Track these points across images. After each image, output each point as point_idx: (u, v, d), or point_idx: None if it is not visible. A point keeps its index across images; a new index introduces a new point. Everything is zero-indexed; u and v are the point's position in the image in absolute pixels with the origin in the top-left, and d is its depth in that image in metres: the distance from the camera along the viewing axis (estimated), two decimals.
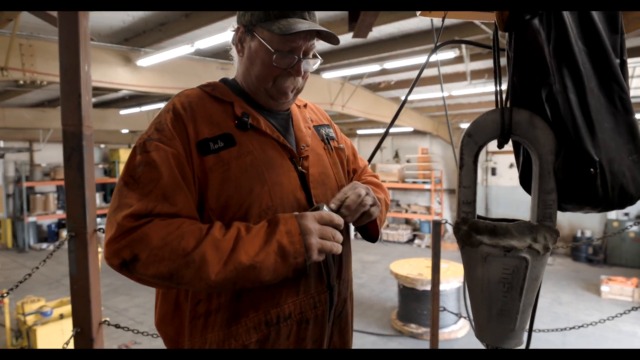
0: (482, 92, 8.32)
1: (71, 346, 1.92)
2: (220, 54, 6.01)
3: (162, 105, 10.09)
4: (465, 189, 0.85)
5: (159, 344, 6.05)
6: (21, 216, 12.03)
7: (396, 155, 15.01)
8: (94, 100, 9.76)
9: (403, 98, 1.41)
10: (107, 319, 2.08)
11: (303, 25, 0.95)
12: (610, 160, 0.75)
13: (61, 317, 5.72)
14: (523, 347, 0.89)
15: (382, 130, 13.91)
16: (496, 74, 0.84)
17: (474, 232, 0.81)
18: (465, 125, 12.76)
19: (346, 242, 1.08)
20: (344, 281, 1.10)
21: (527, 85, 0.84)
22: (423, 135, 14.10)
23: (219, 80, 1.10)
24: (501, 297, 0.80)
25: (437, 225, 2.37)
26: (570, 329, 2.90)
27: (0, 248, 12.13)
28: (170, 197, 0.89)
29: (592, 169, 0.74)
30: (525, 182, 0.90)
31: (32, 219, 12.03)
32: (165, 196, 0.88)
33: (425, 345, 6.55)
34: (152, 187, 0.88)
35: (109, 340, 5.93)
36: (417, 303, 6.70)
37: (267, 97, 1.06)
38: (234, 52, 1.09)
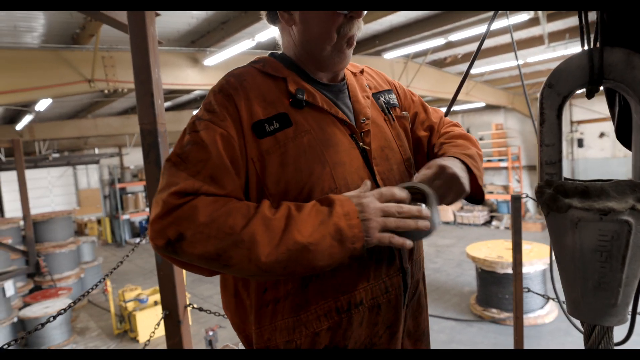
0: (562, 56, 7.56)
1: (162, 328, 2.08)
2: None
3: None
4: (548, 148, 0.75)
5: None
6: (117, 215, 13.35)
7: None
8: (169, 103, 10.49)
9: (473, 72, 1.29)
10: (193, 303, 2.22)
11: None
12: None
13: (155, 303, 6.28)
14: (623, 328, 0.78)
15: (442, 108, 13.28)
16: (582, 15, 0.72)
17: (561, 194, 0.71)
18: None
19: None
20: (415, 262, 1.04)
21: (620, 19, 0.71)
22: (497, 110, 13.22)
23: (268, 55, 1.04)
24: (598, 268, 0.70)
25: (516, 201, 2.19)
26: None
27: (102, 244, 13.61)
28: (219, 178, 0.84)
29: None
30: (624, 136, 0.77)
31: (125, 216, 13.29)
32: (212, 177, 0.83)
33: (508, 331, 6.20)
34: (201, 167, 0.84)
35: (196, 324, 6.38)
36: (497, 287, 6.35)
37: (332, 56, 0.97)
38: (277, 31, 1.04)
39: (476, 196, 1.11)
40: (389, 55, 6.85)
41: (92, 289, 2.07)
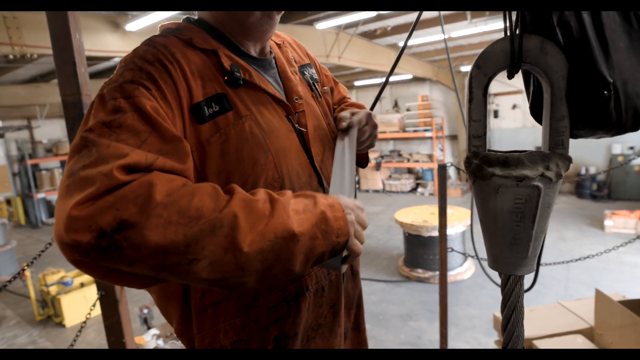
0: (483, 32, 8.05)
1: (98, 309, 2.00)
2: None
3: None
4: (475, 123, 0.84)
5: None
6: (30, 193, 12.15)
7: (396, 105, 14.80)
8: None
9: (400, 44, 1.36)
10: None
11: None
12: (625, 82, 0.74)
13: (82, 285, 5.94)
14: (528, 278, 0.92)
15: (380, 80, 13.64)
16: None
17: (486, 164, 0.81)
18: (466, 68, 12.48)
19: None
20: None
21: (537, 10, 0.81)
22: (422, 82, 13.82)
23: (183, 21, 0.90)
24: (514, 227, 0.82)
25: (442, 169, 2.38)
26: (576, 260, 2.98)
27: (14, 226, 12.37)
28: (173, 150, 0.67)
29: (605, 92, 0.73)
30: (536, 112, 0.88)
31: (40, 195, 12.15)
32: (166, 148, 0.66)
33: (432, 288, 6.79)
34: (146, 136, 0.65)
35: (130, 303, 6.17)
36: (423, 249, 6.89)
37: (261, 21, 0.87)
38: None
39: (363, 160, 1.15)
40: (321, 26, 6.81)
41: (10, 281, 1.93)
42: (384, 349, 5.33)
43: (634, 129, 0.78)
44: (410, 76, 11.91)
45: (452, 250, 2.99)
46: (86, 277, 6.03)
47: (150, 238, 0.57)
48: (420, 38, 8.33)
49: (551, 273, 6.74)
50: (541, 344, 2.10)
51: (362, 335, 1.17)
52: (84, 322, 2.10)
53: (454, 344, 5.44)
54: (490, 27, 7.04)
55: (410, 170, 14.51)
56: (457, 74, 12.52)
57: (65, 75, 1.76)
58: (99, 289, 1.95)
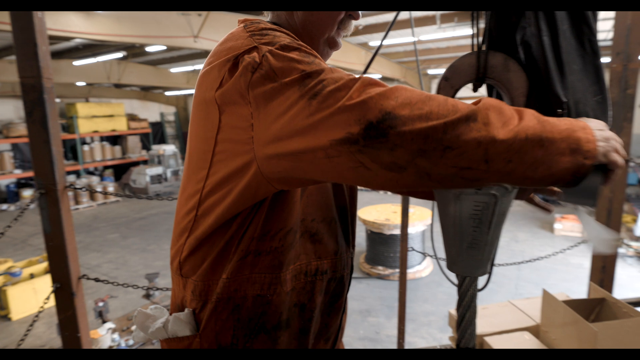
0: (451, 37, 8.28)
1: (52, 301, 1.93)
2: None
3: (118, 55, 9.48)
4: None
5: (134, 296, 6.14)
6: None
7: None
8: None
9: (371, 44, 1.39)
10: (85, 274, 2.08)
11: None
12: (577, 101, 0.80)
13: (31, 276, 5.66)
14: (482, 278, 0.98)
15: None
16: (473, 16, 0.85)
17: None
18: (433, 71, 12.82)
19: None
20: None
21: (503, 29, 0.86)
22: (391, 83, 14.05)
23: (270, 22, 0.92)
24: (472, 232, 0.87)
25: None
26: (527, 262, 3.15)
27: None
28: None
29: (560, 110, 0.78)
30: None
31: None
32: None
33: (392, 285, 6.97)
34: (352, 77, 0.72)
35: (84, 295, 5.93)
36: (384, 246, 7.03)
37: (323, 49, 0.96)
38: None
39: None
40: None
41: None
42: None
43: None
44: (379, 76, 12.08)
45: (412, 249, 3.09)
46: (36, 268, 5.73)
47: (414, 124, 0.64)
48: (390, 39, 8.47)
49: (504, 272, 7.07)
50: (491, 340, 2.21)
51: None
52: (36, 316, 2.01)
53: (410, 339, 5.61)
54: (458, 32, 7.26)
55: None
56: (425, 76, 12.81)
57: (26, 56, 1.67)
58: (54, 281, 1.88)
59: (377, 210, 7.54)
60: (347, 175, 0.71)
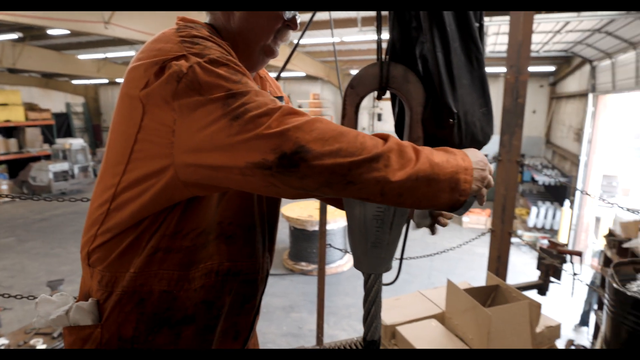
0: (372, 40, 8.60)
1: None
2: None
3: (13, 36, 8.36)
4: None
5: (33, 307, 5.54)
6: None
7: (289, 101, 14.99)
8: None
9: (294, 41, 1.41)
10: None
11: None
12: (466, 112, 0.88)
13: None
14: (391, 274, 1.04)
15: (272, 75, 13.66)
16: (379, 28, 0.90)
17: None
18: (355, 72, 13.23)
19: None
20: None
21: (404, 42, 0.92)
22: (315, 81, 14.25)
23: (207, 30, 0.90)
24: (375, 232, 0.92)
25: None
26: (438, 253, 3.40)
27: None
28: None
29: (451, 120, 0.86)
30: (399, 129, 1.00)
31: None
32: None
33: (315, 280, 7.10)
34: (275, 103, 0.75)
35: None
36: (307, 243, 7.14)
37: (259, 56, 0.97)
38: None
39: None
40: None
41: None
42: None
43: None
44: (303, 74, 12.18)
45: (331, 246, 3.18)
46: None
47: (323, 160, 0.70)
48: (314, 38, 8.58)
49: (418, 264, 7.56)
50: (402, 329, 2.36)
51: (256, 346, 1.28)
52: None
53: (332, 332, 5.78)
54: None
55: None
56: (347, 77, 13.18)
57: None
58: None
59: (300, 207, 7.61)
60: (260, 190, 0.77)
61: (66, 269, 7.59)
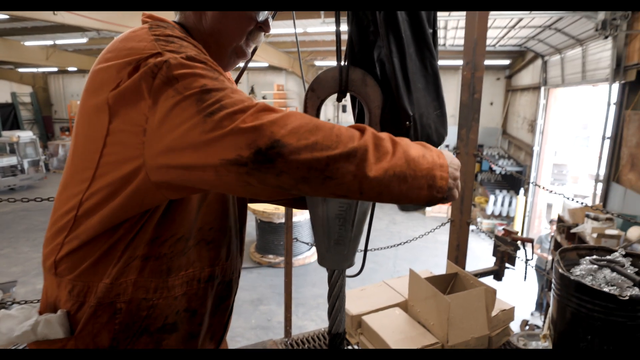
0: (335, 31, 8.60)
1: None
2: None
3: None
4: None
5: None
6: None
7: (252, 91, 14.81)
8: None
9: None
10: None
11: None
12: (421, 115, 0.92)
13: None
14: (355, 273, 1.08)
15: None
16: (338, 33, 0.92)
17: None
18: (320, 63, 13.25)
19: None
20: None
21: (363, 45, 0.95)
22: (279, 72, 14.12)
23: (179, 30, 0.89)
24: (337, 229, 0.95)
25: None
26: (403, 243, 3.51)
27: None
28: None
29: (407, 122, 0.90)
30: None
31: None
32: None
33: (282, 272, 7.13)
34: (248, 99, 0.74)
35: None
36: (274, 235, 7.14)
37: (230, 57, 0.97)
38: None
39: None
40: None
41: None
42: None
43: None
44: (266, 64, 12.04)
45: (297, 240, 3.21)
46: None
47: (299, 154, 0.68)
48: (277, 29, 8.50)
49: (383, 252, 7.73)
50: (368, 319, 2.43)
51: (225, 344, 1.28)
52: None
53: (300, 323, 5.84)
54: (343, 27, 7.58)
55: None
56: (311, 68, 13.16)
57: None
58: None
59: None
60: (235, 190, 0.75)
61: (17, 269, 7.22)
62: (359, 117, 1.03)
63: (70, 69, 14.62)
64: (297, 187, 0.71)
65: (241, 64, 1.15)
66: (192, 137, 0.70)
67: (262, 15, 0.95)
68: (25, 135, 12.82)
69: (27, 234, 8.90)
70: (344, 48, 0.97)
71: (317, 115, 0.94)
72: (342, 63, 0.93)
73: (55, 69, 15.73)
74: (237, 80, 1.33)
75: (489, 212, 10.18)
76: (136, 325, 0.89)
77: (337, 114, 14.12)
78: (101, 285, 0.86)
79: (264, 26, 0.98)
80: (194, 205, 0.91)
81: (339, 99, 0.95)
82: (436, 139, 0.97)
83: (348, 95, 0.98)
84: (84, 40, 10.50)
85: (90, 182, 0.81)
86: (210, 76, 0.74)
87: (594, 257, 1.91)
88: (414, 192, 0.76)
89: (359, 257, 1.08)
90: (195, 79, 0.72)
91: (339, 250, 0.98)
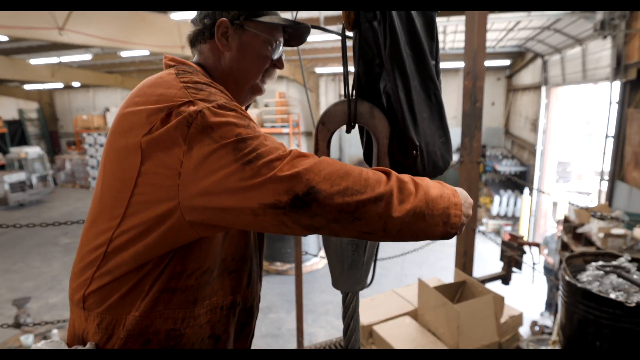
0: (335, 39, 8.67)
1: None
2: None
3: None
4: None
5: None
6: None
7: (254, 100, 14.87)
8: None
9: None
10: None
11: (285, 17, 1.00)
12: (427, 143, 0.97)
13: None
14: (367, 285, 1.12)
15: None
16: (345, 75, 0.97)
17: None
18: (320, 70, 13.33)
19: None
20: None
21: (369, 78, 1.00)
22: (280, 80, 14.20)
23: (202, 74, 0.95)
24: (350, 255, 1.00)
25: None
26: (407, 253, 3.54)
27: None
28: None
29: (415, 151, 0.95)
30: (368, 158, 1.08)
31: None
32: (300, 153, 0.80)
33: (290, 279, 7.16)
34: (282, 145, 0.81)
35: None
36: (281, 243, 7.19)
37: (248, 94, 1.03)
38: (202, 48, 1.00)
39: None
40: (176, 16, 6.47)
41: None
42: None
43: (434, 176, 1.03)
44: None
45: (307, 253, 3.26)
46: None
47: (333, 199, 0.76)
48: None
49: (391, 258, 7.76)
50: (379, 328, 2.47)
51: None
52: None
53: (310, 330, 5.87)
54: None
55: None
56: (312, 75, 13.24)
57: None
58: None
59: None
60: (268, 229, 0.81)
61: (30, 284, 7.30)
62: (367, 146, 1.08)
63: (75, 84, 14.78)
64: (328, 226, 0.79)
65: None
66: (230, 183, 0.76)
67: (277, 53, 1.01)
68: (33, 151, 12.97)
69: (38, 249, 8.99)
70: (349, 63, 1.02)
71: (328, 146, 0.99)
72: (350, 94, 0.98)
73: (61, 85, 15.91)
74: None
75: (494, 212, 10.17)
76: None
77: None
78: (130, 317, 0.89)
79: (278, 63, 1.03)
80: (219, 238, 0.95)
81: (348, 131, 1.00)
82: (442, 165, 1.01)
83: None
84: (88, 57, 10.65)
85: (120, 220, 0.84)
86: (242, 124, 0.80)
87: (600, 263, 1.95)
88: (430, 229, 0.83)
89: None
90: (230, 127, 0.78)
91: (352, 274, 1.03)
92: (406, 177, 0.83)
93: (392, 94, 0.94)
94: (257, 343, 5.59)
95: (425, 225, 0.82)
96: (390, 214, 0.78)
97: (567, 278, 1.86)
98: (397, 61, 0.93)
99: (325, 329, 5.93)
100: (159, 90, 0.84)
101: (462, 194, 0.89)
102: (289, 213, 0.75)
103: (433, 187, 0.85)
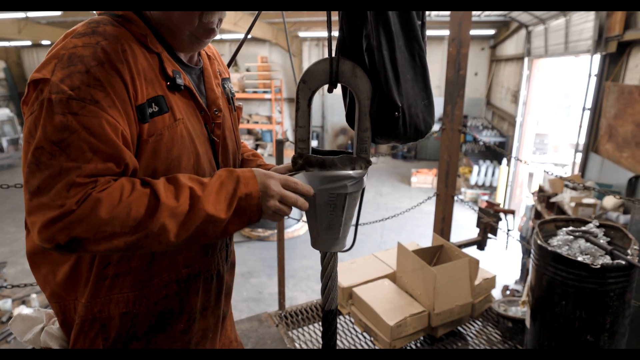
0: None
1: None
2: None
3: None
4: (300, 129, 0.98)
5: None
6: None
7: (235, 64, 14.49)
8: None
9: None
10: None
11: None
12: (409, 105, 0.96)
13: None
14: (346, 248, 1.14)
15: (219, 37, 13.09)
16: (329, 31, 0.94)
17: (307, 165, 0.97)
18: (304, 34, 12.98)
19: None
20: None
21: (353, 36, 0.97)
22: (262, 43, 13.80)
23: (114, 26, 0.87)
24: (328, 215, 1.00)
25: (279, 144, 2.56)
26: (387, 218, 3.60)
27: None
28: (117, 157, 0.79)
29: (396, 113, 0.94)
30: (350, 119, 1.07)
31: None
32: (110, 158, 0.78)
33: (271, 245, 7.25)
34: (92, 153, 0.76)
35: None
36: None
37: (190, 41, 0.93)
38: None
39: None
40: None
41: None
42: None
43: (415, 140, 1.03)
44: (249, 36, 11.75)
45: (289, 217, 3.27)
46: None
47: (99, 245, 0.76)
48: None
49: (371, 224, 7.90)
50: (358, 290, 2.54)
51: (231, 317, 1.36)
52: None
53: (291, 294, 6.00)
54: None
55: (249, 131, 14.64)
56: (295, 39, 12.89)
57: None
58: None
59: None
60: None
61: (5, 250, 7.19)
62: (349, 107, 1.07)
63: (44, 42, 14.03)
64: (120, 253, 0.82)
65: (224, 36, 1.12)
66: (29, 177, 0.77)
67: None
68: (2, 113, 12.45)
69: (12, 214, 8.79)
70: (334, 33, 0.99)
71: (309, 104, 0.97)
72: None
73: (29, 43, 15.08)
74: (229, 64, 1.33)
75: (472, 182, 10.39)
76: (123, 336, 0.95)
77: (322, 92, 13.97)
78: (78, 304, 0.92)
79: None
80: None
81: (329, 90, 0.98)
82: (424, 128, 1.01)
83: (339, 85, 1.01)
84: (57, 12, 10.05)
85: None
86: (55, 137, 0.76)
87: (570, 228, 2.02)
88: (224, 228, 0.85)
89: (350, 232, 1.13)
90: (46, 127, 0.76)
91: (330, 234, 1.04)
92: (184, 190, 0.82)
93: (376, 52, 0.92)
94: (239, 307, 5.69)
95: (215, 227, 0.83)
96: (169, 240, 0.80)
97: (538, 242, 1.93)
98: (382, 19, 0.90)
99: (305, 292, 6.07)
100: (53, 50, 0.82)
101: (265, 178, 0.88)
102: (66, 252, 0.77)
103: (218, 188, 0.84)
